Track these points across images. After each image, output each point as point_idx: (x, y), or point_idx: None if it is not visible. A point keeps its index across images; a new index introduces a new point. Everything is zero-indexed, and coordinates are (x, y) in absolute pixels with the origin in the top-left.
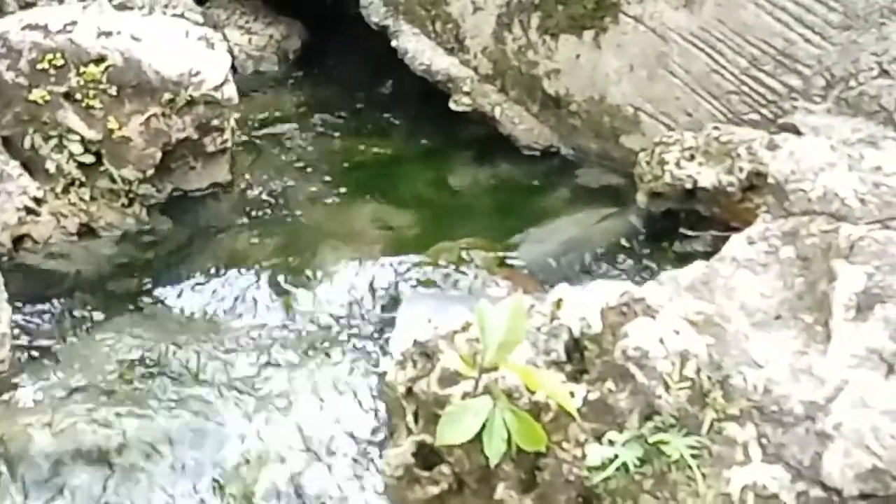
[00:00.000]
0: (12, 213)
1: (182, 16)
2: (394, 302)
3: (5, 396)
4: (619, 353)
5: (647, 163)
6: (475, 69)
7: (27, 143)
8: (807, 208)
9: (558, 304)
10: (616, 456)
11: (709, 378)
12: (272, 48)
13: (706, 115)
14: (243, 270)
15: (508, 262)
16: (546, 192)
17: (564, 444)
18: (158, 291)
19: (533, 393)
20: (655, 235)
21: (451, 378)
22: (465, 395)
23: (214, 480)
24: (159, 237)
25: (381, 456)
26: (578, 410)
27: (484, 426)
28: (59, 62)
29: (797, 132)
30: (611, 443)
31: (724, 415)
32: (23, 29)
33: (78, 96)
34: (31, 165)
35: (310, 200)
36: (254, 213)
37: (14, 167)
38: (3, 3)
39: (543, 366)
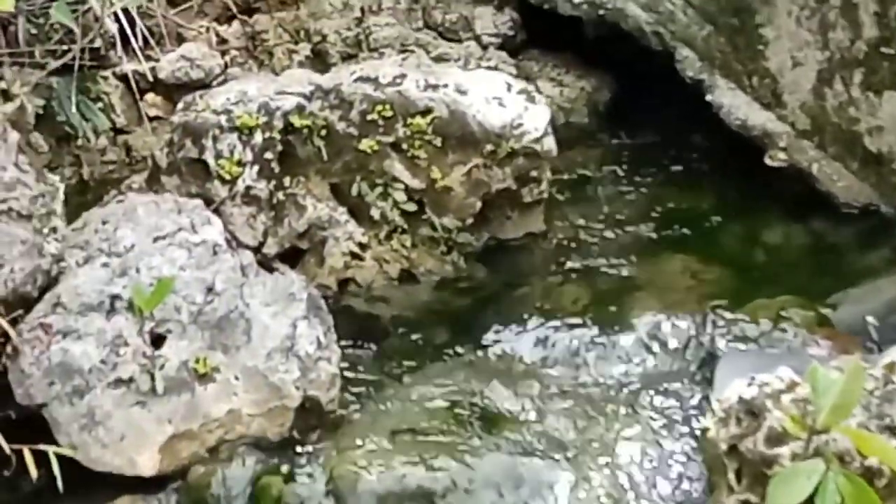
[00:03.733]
0: (339, 258)
1: (496, 68)
2: (710, 357)
3: (335, 435)
4: None
5: None
6: (792, 124)
7: (354, 191)
8: None
9: (891, 367)
10: None
11: None
12: (583, 100)
13: None
14: (556, 320)
15: (828, 321)
16: (865, 251)
17: None
18: (475, 337)
19: (865, 458)
20: None
21: (778, 438)
22: (794, 457)
23: None
24: (475, 284)
25: None
26: None
27: (816, 490)
28: (388, 113)
29: None
30: None
31: None
32: (355, 81)
33: (404, 146)
34: (357, 212)
35: (620, 252)
36: (566, 263)
37: (342, 213)
38: (327, 56)
39: (876, 430)
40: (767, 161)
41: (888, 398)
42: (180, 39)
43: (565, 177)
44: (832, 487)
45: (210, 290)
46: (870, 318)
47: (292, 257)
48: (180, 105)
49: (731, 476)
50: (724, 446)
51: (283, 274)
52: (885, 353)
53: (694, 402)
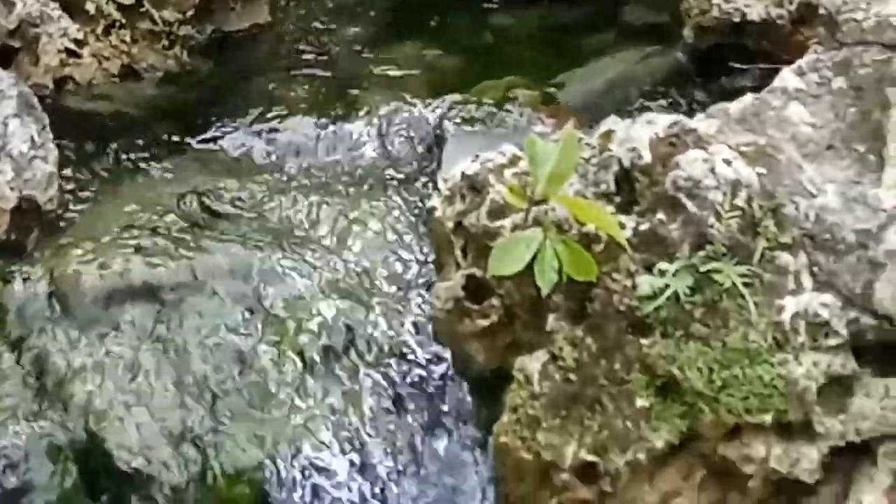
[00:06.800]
0: (54, 55)
1: None
2: (438, 140)
3: (56, 236)
4: (670, 183)
5: None
6: None
7: None
8: (859, 38)
9: (607, 135)
10: (667, 285)
11: (760, 207)
12: None
13: None
14: (286, 112)
15: (553, 100)
16: (591, 31)
17: (615, 275)
18: (203, 133)
19: (583, 224)
20: (703, 71)
21: (500, 211)
22: (515, 228)
23: (264, 315)
24: (201, 79)
25: (428, 291)
26: (629, 241)
27: (535, 257)
28: None
29: None
30: (661, 272)
31: (776, 243)
32: None
33: None
34: (71, 7)
35: (351, 42)
36: (295, 55)
37: (54, 9)
38: None
39: (593, 197)
40: None
41: (604, 165)
42: None
43: None
44: (550, 253)
45: None
46: (593, 95)
47: (3, 56)
48: None
49: (458, 252)
50: (450, 224)
51: None
52: (601, 123)
53: (424, 185)
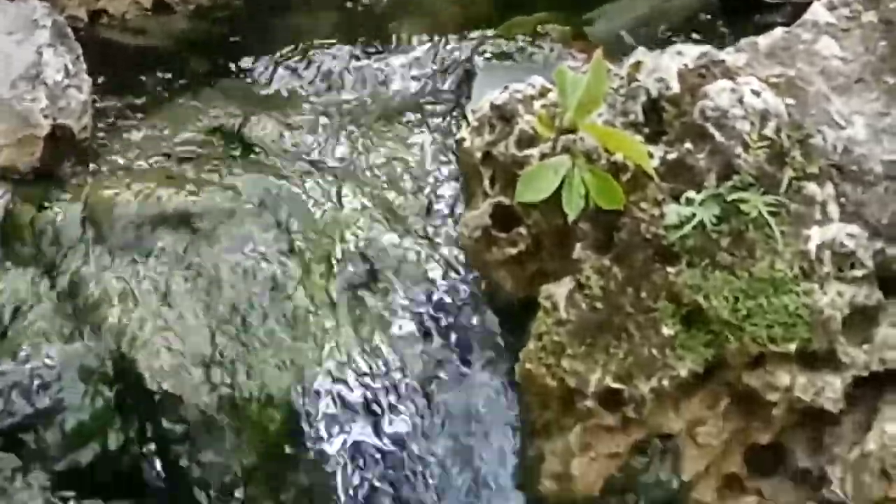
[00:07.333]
0: None
1: None
2: (468, 75)
3: (90, 163)
4: (698, 113)
5: None
6: None
7: None
8: None
9: (636, 66)
10: (694, 214)
11: (788, 137)
12: None
13: None
14: (318, 46)
15: (584, 35)
16: None
17: (642, 204)
18: (235, 66)
19: (611, 154)
20: (733, 9)
21: (529, 140)
22: (543, 157)
23: (293, 243)
24: (233, 12)
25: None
26: (656, 171)
27: (563, 184)
28: None
29: None
30: (689, 201)
31: (804, 174)
32: None
33: None
34: None
35: None
36: None
37: None
38: None
39: (621, 127)
40: None
41: (632, 95)
42: None
43: None
44: (577, 180)
45: None
46: (622, 32)
47: None
48: None
49: (486, 182)
50: (478, 154)
51: (25, 1)
52: (631, 55)
53: (453, 117)
